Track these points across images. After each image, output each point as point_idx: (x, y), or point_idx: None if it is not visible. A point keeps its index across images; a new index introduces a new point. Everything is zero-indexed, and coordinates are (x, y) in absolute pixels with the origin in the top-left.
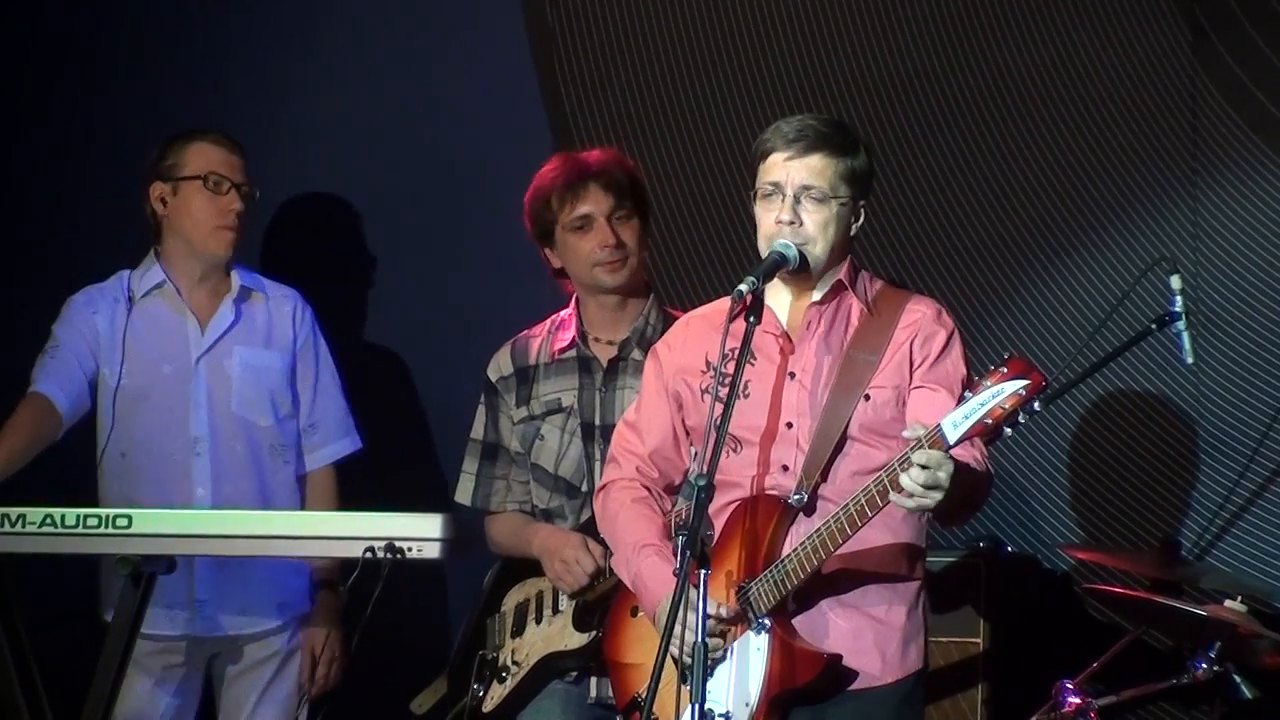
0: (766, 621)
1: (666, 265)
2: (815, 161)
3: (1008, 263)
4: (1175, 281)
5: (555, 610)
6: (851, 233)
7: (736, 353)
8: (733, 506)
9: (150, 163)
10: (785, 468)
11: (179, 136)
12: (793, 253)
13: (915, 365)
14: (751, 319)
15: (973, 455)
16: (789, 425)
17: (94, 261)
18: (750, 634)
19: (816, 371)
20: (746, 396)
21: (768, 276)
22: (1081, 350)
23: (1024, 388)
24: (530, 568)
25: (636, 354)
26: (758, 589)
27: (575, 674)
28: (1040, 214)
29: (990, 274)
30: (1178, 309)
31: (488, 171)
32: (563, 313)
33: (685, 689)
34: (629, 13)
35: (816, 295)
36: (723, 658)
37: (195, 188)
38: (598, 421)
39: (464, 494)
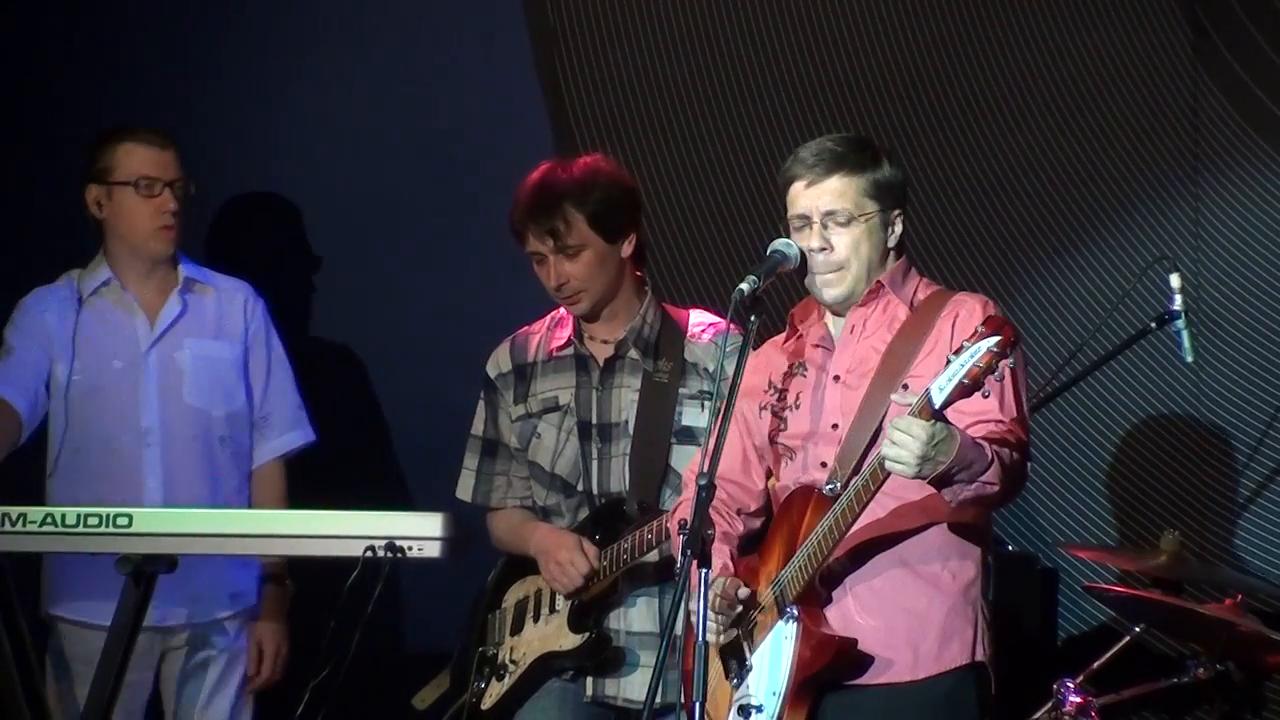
0: (794, 610)
1: (667, 265)
2: (835, 184)
3: (1008, 261)
4: (1175, 280)
5: (552, 609)
6: (890, 243)
7: (793, 366)
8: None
9: (85, 164)
10: (824, 464)
11: (108, 137)
12: (793, 251)
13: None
14: (753, 319)
15: (991, 432)
16: (834, 426)
17: (44, 264)
18: (780, 623)
19: (858, 371)
20: (797, 408)
21: (768, 275)
22: (1081, 349)
23: (996, 343)
24: (534, 564)
25: (633, 353)
26: (787, 576)
27: (571, 672)
28: (1041, 213)
29: (990, 273)
30: (1177, 307)
31: (488, 171)
32: (562, 309)
33: (727, 684)
34: (629, 13)
35: (859, 297)
36: (757, 646)
37: (128, 192)
38: (594, 420)
39: (465, 490)
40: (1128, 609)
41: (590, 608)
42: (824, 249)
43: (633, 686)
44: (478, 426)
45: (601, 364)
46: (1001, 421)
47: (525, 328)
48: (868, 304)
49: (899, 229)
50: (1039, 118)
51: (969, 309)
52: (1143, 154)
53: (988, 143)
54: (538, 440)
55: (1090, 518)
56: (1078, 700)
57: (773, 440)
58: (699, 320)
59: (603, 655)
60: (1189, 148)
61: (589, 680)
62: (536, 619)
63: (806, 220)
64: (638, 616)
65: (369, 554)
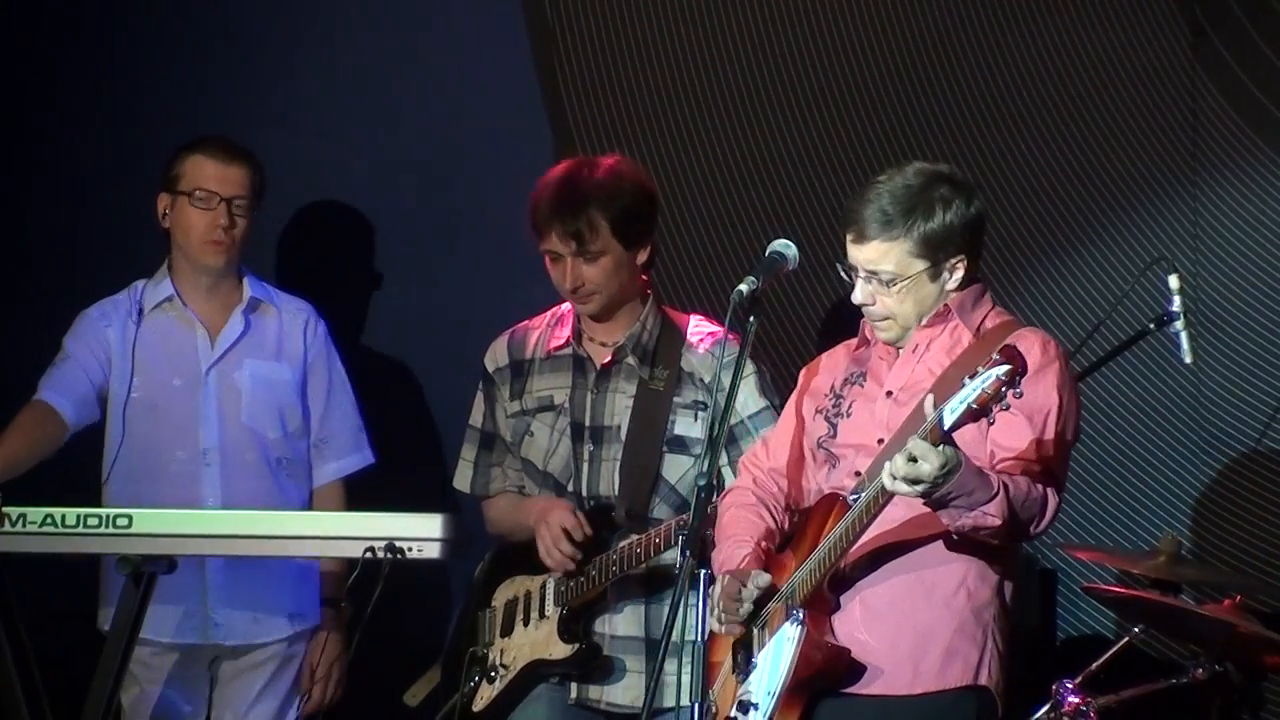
0: (800, 613)
1: (667, 265)
2: (876, 248)
3: (1006, 262)
4: (1173, 281)
5: (542, 614)
6: (950, 286)
7: (853, 374)
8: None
9: (162, 172)
10: (858, 473)
11: (184, 147)
12: (792, 252)
13: None
14: (752, 320)
15: (1009, 467)
16: (880, 441)
17: (103, 271)
18: (786, 624)
19: (911, 389)
20: (849, 416)
21: (767, 276)
22: (1080, 350)
23: (1005, 372)
24: (521, 563)
25: (630, 359)
26: (798, 579)
27: (558, 677)
28: (1039, 213)
29: (989, 273)
30: (1176, 309)
31: (488, 172)
32: (564, 306)
33: (734, 679)
34: (629, 13)
35: (925, 320)
36: (762, 646)
37: (185, 202)
38: (588, 422)
39: (463, 481)
40: (1127, 610)
41: (579, 614)
42: (865, 304)
43: (616, 691)
44: (476, 418)
45: (598, 367)
46: (1034, 461)
47: (525, 323)
48: (934, 325)
49: (959, 274)
50: (1037, 118)
51: (1026, 344)
52: (1141, 154)
53: (986, 143)
54: (530, 438)
55: (1089, 518)
56: (1076, 701)
57: (820, 444)
58: (698, 328)
59: (593, 665)
60: (1187, 148)
61: (574, 685)
62: (526, 623)
63: (855, 272)
64: (623, 622)
65: (369, 555)
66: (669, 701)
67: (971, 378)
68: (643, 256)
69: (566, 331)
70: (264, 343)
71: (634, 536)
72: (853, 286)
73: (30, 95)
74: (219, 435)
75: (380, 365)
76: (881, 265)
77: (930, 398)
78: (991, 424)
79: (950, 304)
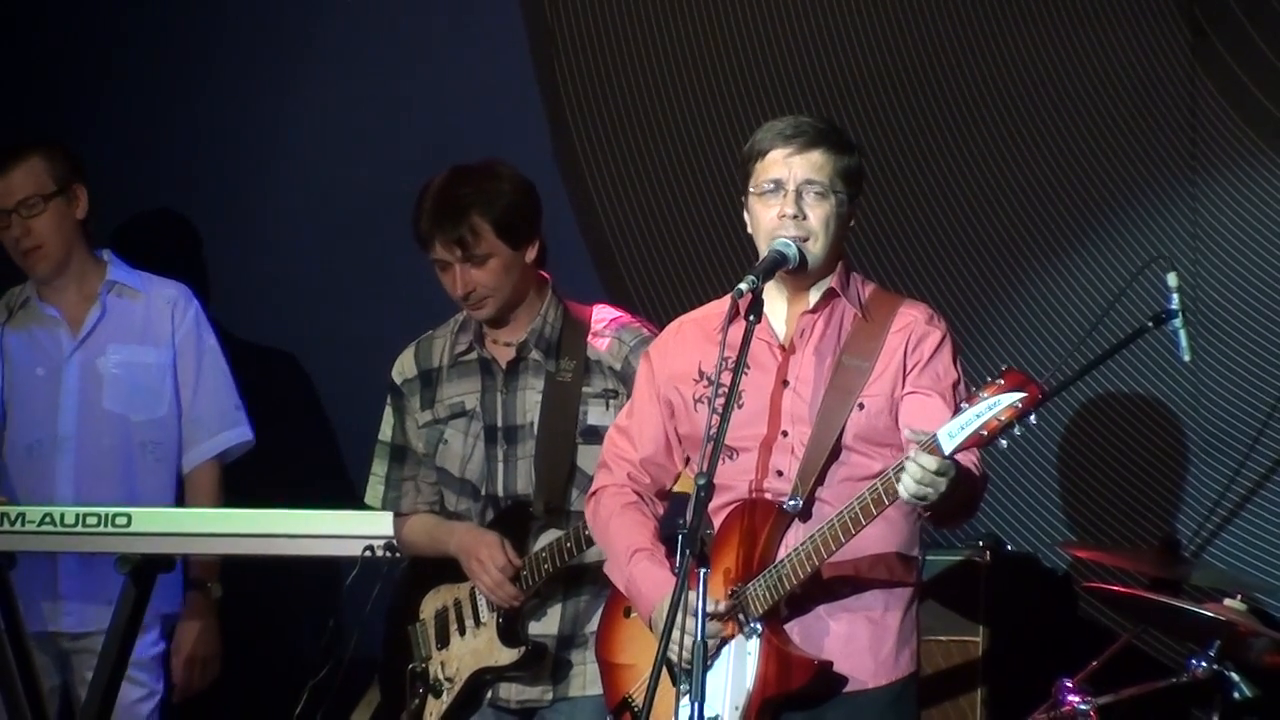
0: (758, 626)
1: (665, 266)
2: (816, 157)
3: (1005, 261)
4: (1171, 279)
5: (477, 622)
6: (844, 234)
7: (730, 360)
8: (729, 509)
9: None
10: (780, 473)
11: None
12: (792, 251)
13: (907, 370)
14: (751, 318)
15: (971, 461)
16: (784, 434)
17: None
18: (741, 638)
19: (811, 378)
20: (741, 407)
21: (767, 275)
22: (1078, 348)
23: (1020, 400)
24: (441, 573)
25: (535, 355)
26: (752, 592)
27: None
28: (1039, 213)
29: (988, 272)
30: (1174, 306)
31: None
32: (465, 313)
33: (677, 690)
34: (629, 13)
35: (810, 302)
36: (715, 658)
37: None
38: (500, 423)
39: (374, 497)
40: (1126, 609)
41: (515, 617)
42: (796, 216)
43: (529, 689)
44: (385, 432)
45: (504, 367)
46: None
47: (429, 332)
48: (819, 310)
49: (851, 222)
50: (1037, 117)
51: (920, 329)
52: (1140, 154)
53: (985, 142)
54: (445, 446)
55: (1089, 518)
56: (1076, 700)
57: (708, 436)
58: (601, 317)
59: (539, 666)
60: (1187, 147)
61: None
62: (462, 632)
63: (780, 185)
64: (544, 621)
65: (368, 553)
66: (574, 692)
67: (970, 402)
68: (531, 254)
69: (469, 336)
70: (129, 327)
71: (558, 532)
72: (760, 205)
73: (31, 93)
74: (76, 422)
75: (374, 366)
76: (819, 175)
77: (860, 412)
78: (997, 444)
79: (834, 285)
